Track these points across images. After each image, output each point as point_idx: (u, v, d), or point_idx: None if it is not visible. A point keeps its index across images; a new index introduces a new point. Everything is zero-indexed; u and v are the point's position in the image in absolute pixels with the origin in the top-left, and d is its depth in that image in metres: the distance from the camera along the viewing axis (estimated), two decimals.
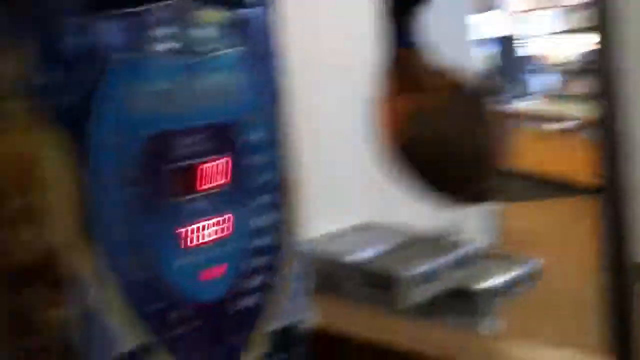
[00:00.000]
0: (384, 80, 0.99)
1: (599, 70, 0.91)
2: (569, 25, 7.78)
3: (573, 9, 7.56)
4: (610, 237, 0.88)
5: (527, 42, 8.08)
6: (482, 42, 7.94)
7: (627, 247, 0.88)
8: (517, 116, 7.01)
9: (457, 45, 2.47)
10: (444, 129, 0.93)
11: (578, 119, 6.80)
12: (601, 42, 0.88)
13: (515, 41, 7.95)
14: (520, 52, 7.87)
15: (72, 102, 0.80)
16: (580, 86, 7.44)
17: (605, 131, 0.89)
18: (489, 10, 7.72)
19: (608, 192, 0.88)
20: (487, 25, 8.07)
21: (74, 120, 0.80)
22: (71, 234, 0.81)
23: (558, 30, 8.11)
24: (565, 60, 8.01)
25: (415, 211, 1.76)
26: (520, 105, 7.10)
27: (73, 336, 0.83)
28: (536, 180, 6.42)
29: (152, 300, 0.87)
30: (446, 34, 2.36)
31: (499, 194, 0.97)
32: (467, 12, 2.58)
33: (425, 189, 0.97)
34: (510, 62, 7.65)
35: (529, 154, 6.59)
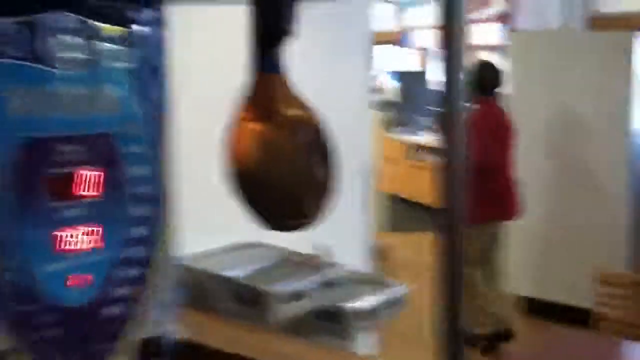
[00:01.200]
0: (241, 104, 1.04)
1: (443, 102, 0.99)
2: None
3: (478, 48, 7.93)
4: (444, 267, 0.96)
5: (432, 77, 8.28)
6: (391, 74, 8.16)
7: (459, 281, 0.96)
8: (420, 148, 7.25)
9: (357, 77, 2.56)
10: (270, 161, 0.99)
11: None
12: (446, 77, 0.96)
13: (423, 76, 8.13)
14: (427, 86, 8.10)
15: None
16: None
17: (447, 159, 0.96)
18: (399, 44, 7.96)
19: (445, 219, 0.96)
20: (395, 59, 8.31)
21: None
22: None
23: None
24: None
25: (295, 233, 1.82)
26: (423, 137, 7.31)
27: None
28: (426, 211, 6.61)
29: (20, 302, 0.88)
30: (348, 67, 2.46)
31: (311, 225, 1.03)
32: (372, 45, 2.68)
33: (251, 215, 1.03)
34: (417, 96, 7.83)
35: (425, 187, 6.83)
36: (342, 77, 2.43)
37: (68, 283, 0.93)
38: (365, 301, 1.73)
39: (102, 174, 0.97)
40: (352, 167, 2.54)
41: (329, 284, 1.64)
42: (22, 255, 0.88)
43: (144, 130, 1.04)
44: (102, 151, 0.98)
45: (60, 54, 0.91)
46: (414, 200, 7.12)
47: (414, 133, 7.64)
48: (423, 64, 8.37)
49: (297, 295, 1.53)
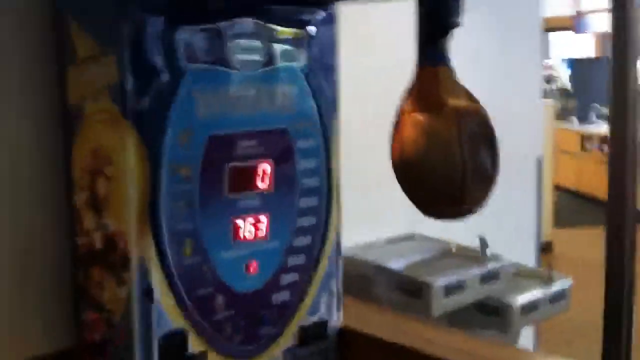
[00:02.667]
0: (406, 96, 1.06)
1: (613, 89, 0.95)
2: None
3: None
4: (612, 254, 0.92)
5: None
6: (565, 62, 7.81)
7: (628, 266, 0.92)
8: (595, 139, 6.89)
9: (530, 63, 2.50)
10: (434, 151, 1.01)
11: None
12: (618, 62, 0.92)
13: (598, 62, 7.68)
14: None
15: (150, 105, 0.90)
16: None
17: (617, 149, 0.92)
18: (574, 30, 7.58)
19: (613, 209, 0.92)
20: (570, 46, 7.93)
21: (150, 122, 0.91)
22: (136, 221, 0.91)
23: None
24: None
25: (457, 225, 1.82)
26: (599, 127, 6.94)
27: (132, 313, 0.93)
28: (601, 205, 6.31)
29: (200, 285, 0.97)
30: (520, 55, 2.41)
31: (472, 214, 1.03)
32: (544, 32, 2.59)
33: (414, 203, 1.05)
34: (592, 83, 7.43)
35: (601, 180, 6.53)
36: (514, 66, 2.37)
37: (242, 269, 1.02)
38: (529, 295, 1.70)
39: (277, 167, 1.04)
40: (524, 158, 2.48)
41: (491, 277, 1.64)
42: (203, 243, 0.97)
43: (316, 126, 1.10)
44: (278, 146, 1.05)
45: (241, 57, 0.99)
46: (589, 193, 6.75)
47: (590, 123, 7.21)
48: (600, 49, 7.86)
49: (459, 287, 1.53)
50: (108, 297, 0.96)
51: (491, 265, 1.62)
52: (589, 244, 5.36)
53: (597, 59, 8.02)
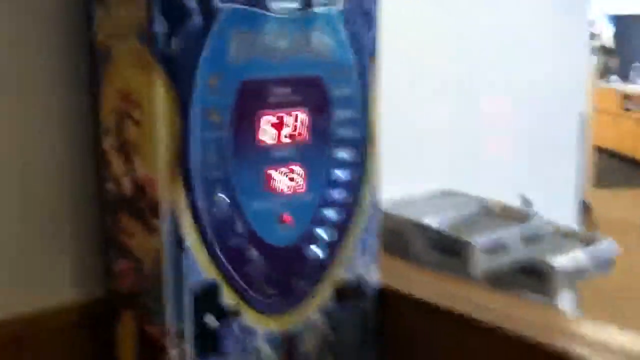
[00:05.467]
0: None
1: None
2: None
3: None
4: None
5: None
6: (607, 18, 7.53)
7: None
8: (636, 99, 6.69)
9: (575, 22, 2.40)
10: None
11: None
12: None
13: None
14: None
15: (181, 47, 0.86)
16: None
17: None
18: None
19: None
20: (613, 1, 7.64)
21: (180, 64, 0.86)
22: (167, 167, 0.87)
23: None
24: None
25: (495, 183, 1.76)
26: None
27: (163, 262, 0.90)
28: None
29: (232, 236, 0.94)
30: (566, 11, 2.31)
31: None
32: None
33: None
34: (636, 41, 7.16)
35: (637, 139, 6.35)
36: (560, 23, 2.27)
37: (275, 221, 0.98)
38: (572, 257, 1.64)
39: (312, 116, 1.00)
40: (566, 115, 2.39)
41: (533, 238, 1.58)
42: (236, 192, 0.93)
43: (353, 74, 1.04)
44: (313, 94, 1.00)
45: (271, 2, 0.93)
46: (629, 154, 6.59)
47: (631, 82, 6.99)
48: None
49: (500, 248, 1.48)
50: (137, 245, 0.93)
51: (533, 226, 1.56)
52: (628, 206, 5.24)
53: None
